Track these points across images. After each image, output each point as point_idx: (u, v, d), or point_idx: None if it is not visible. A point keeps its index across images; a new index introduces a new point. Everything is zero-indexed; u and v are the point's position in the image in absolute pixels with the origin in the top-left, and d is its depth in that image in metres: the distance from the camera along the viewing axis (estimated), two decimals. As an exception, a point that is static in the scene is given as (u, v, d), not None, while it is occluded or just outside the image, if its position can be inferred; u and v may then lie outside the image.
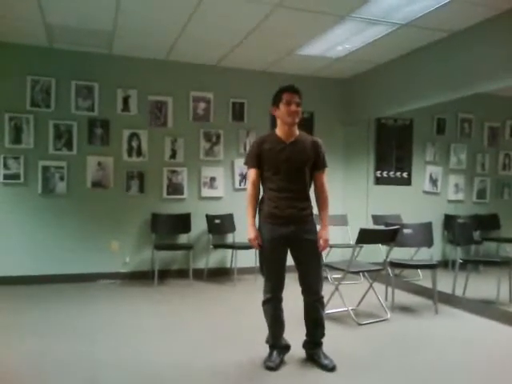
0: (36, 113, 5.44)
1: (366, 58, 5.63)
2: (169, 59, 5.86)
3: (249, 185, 3.13)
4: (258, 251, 3.16)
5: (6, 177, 5.33)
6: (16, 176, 5.36)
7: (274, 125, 3.18)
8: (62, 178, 5.52)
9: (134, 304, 4.68)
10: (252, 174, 3.12)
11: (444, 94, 4.94)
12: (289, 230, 3.01)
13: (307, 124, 6.37)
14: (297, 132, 3.12)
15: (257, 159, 3.09)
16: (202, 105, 6.10)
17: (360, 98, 6.43)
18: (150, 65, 5.83)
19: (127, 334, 3.74)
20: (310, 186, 3.14)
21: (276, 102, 3.07)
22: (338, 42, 5.09)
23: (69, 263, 5.52)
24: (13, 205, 5.37)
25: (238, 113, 6.24)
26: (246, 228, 3.10)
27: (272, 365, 3.04)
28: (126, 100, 5.76)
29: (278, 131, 3.11)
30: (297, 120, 3.06)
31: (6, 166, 5.33)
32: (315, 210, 3.15)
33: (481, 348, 3.57)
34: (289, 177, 3.02)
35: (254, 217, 3.09)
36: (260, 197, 3.16)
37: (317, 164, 3.12)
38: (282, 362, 3.10)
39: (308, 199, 3.10)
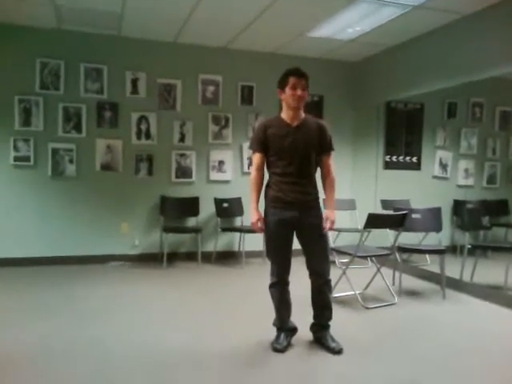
0: (45, 95, 5.45)
1: (377, 40, 5.56)
2: (178, 41, 5.82)
3: (253, 170, 3.13)
4: (264, 235, 3.17)
5: (16, 159, 5.37)
6: (26, 158, 5.39)
7: (281, 108, 3.15)
8: (71, 161, 5.55)
9: (143, 286, 4.73)
10: (256, 158, 3.12)
11: (456, 77, 4.87)
12: (293, 214, 3.01)
13: (316, 107, 6.34)
14: (302, 115, 3.09)
15: (261, 144, 3.08)
16: (211, 88, 6.07)
17: (370, 82, 6.36)
18: (159, 47, 5.80)
19: (136, 316, 3.79)
20: (316, 170, 3.13)
21: (282, 85, 3.04)
22: (349, 25, 5.03)
23: (78, 245, 5.58)
24: (23, 187, 5.42)
25: (247, 96, 6.21)
26: (252, 212, 3.11)
27: (279, 347, 3.07)
28: (134, 83, 5.75)
29: (283, 115, 3.09)
30: (302, 104, 3.03)
31: (16, 148, 5.36)
32: (322, 195, 3.14)
33: (488, 333, 3.58)
34: (294, 161, 3.01)
35: (257, 201, 3.09)
36: (266, 181, 3.16)
37: (323, 147, 3.10)
38: (289, 345, 3.13)
39: (313, 183, 3.09)
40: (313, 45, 5.80)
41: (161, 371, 2.77)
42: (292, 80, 2.99)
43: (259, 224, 3.08)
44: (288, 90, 3.00)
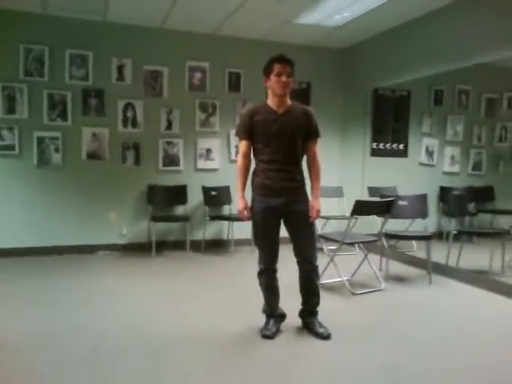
0: (29, 82, 5.35)
1: (365, 27, 5.54)
2: (164, 27, 5.74)
3: (239, 157, 3.13)
4: (252, 223, 3.18)
5: (0, 148, 5.28)
6: (11, 147, 5.31)
7: (268, 96, 3.13)
8: (57, 150, 5.48)
9: (132, 275, 4.72)
10: (243, 145, 3.11)
11: (443, 64, 4.89)
12: (280, 202, 3.02)
13: (304, 94, 6.32)
14: (288, 102, 3.09)
15: (248, 131, 3.07)
16: (198, 75, 6.02)
17: (358, 68, 6.35)
18: (146, 33, 5.71)
19: (126, 305, 3.79)
20: (302, 157, 3.13)
21: (267, 72, 3.03)
22: (337, 10, 4.99)
23: (66, 235, 5.53)
24: (8, 176, 5.34)
25: (235, 83, 6.17)
26: (240, 200, 3.11)
27: (268, 333, 3.10)
28: (120, 69, 5.67)
29: (270, 102, 3.09)
30: (287, 91, 3.03)
31: (0, 136, 5.27)
32: (308, 181, 3.15)
33: (473, 317, 3.65)
34: (280, 148, 3.01)
35: (244, 189, 3.10)
36: (253, 169, 3.16)
37: (309, 134, 3.10)
38: (278, 331, 3.16)
39: (300, 170, 3.10)
40: (300, 32, 5.76)
41: (150, 357, 2.78)
42: (277, 67, 2.98)
43: (245, 212, 3.10)
44: (273, 77, 2.99)
